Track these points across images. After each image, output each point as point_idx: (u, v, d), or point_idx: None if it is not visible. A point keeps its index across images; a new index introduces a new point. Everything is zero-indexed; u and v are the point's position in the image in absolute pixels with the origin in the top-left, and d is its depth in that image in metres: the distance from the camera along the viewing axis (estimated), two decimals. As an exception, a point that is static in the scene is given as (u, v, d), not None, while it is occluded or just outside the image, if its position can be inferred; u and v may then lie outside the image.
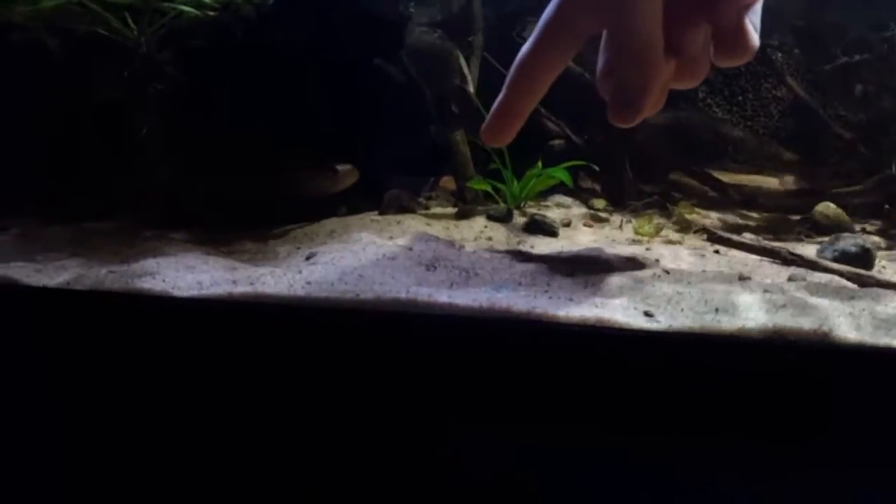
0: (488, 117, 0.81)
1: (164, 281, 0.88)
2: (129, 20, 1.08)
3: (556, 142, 1.65)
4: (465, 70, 1.49)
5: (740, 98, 1.85)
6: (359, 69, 1.23)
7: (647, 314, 0.79)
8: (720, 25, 0.68)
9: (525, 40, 1.62)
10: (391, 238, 1.10)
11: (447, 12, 1.48)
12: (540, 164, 1.42)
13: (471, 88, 1.50)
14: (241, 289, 0.84)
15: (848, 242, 1.04)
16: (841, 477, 0.71)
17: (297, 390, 0.79)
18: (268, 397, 0.79)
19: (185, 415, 0.82)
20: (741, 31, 0.67)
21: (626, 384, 0.73)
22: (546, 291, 0.87)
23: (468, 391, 0.76)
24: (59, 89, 1.12)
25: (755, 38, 0.68)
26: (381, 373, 0.77)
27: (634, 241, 1.20)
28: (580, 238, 1.23)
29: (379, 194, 1.34)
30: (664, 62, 0.67)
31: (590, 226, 1.33)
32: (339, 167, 1.26)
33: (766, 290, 0.84)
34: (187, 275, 0.90)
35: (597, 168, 1.50)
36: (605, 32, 0.73)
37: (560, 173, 1.35)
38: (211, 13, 1.06)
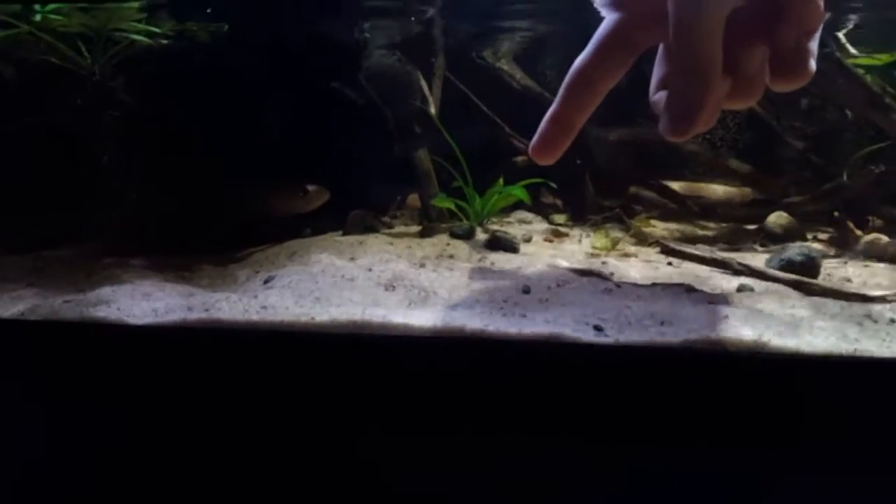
0: (538, 133, 0.78)
1: (118, 309, 0.89)
2: (83, 49, 1.08)
3: (520, 158, 1.68)
4: (426, 91, 1.51)
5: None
6: (316, 92, 1.24)
7: (597, 328, 0.80)
8: (780, 48, 0.67)
9: (485, 61, 1.68)
10: (352, 259, 1.11)
11: (406, 34, 1.50)
12: (501, 181, 1.44)
13: (432, 109, 1.52)
14: (196, 315, 0.85)
15: (794, 252, 1.07)
16: (785, 482, 0.73)
17: (250, 414, 0.79)
18: (220, 422, 0.80)
19: (132, 444, 0.82)
20: (800, 56, 0.67)
21: (575, 397, 0.74)
22: (501, 308, 0.89)
23: (420, 409, 0.77)
24: (14, 118, 1.12)
25: (812, 63, 0.68)
26: (335, 394, 0.78)
27: (591, 256, 1.23)
28: (540, 253, 1.25)
29: (343, 215, 1.35)
30: (721, 79, 0.66)
31: (550, 241, 1.35)
32: (310, 187, 1.27)
33: (711, 302, 0.87)
34: (143, 302, 0.91)
35: (554, 185, 1.52)
36: (661, 46, 0.73)
37: (518, 191, 1.37)
38: (164, 41, 1.06)
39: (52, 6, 1.02)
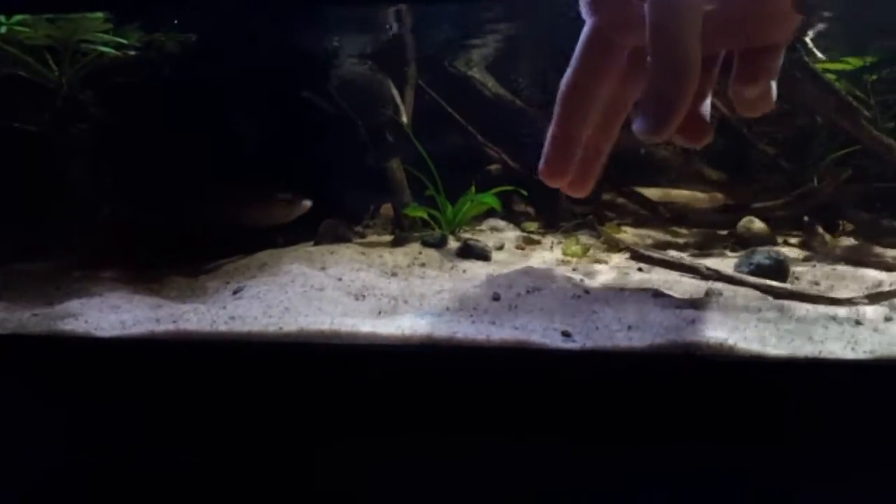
0: (543, 155, 0.76)
1: (86, 322, 0.88)
2: (51, 61, 1.08)
3: (493, 167, 1.69)
4: (398, 100, 1.52)
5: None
6: (286, 102, 1.24)
7: (565, 334, 0.81)
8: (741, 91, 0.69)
9: (457, 70, 1.68)
10: (323, 269, 1.11)
11: (377, 43, 1.50)
12: (473, 189, 1.44)
13: (404, 118, 1.52)
14: (164, 327, 0.84)
15: (762, 256, 1.09)
16: (748, 483, 0.74)
17: (218, 425, 0.79)
18: (187, 432, 0.79)
19: (99, 457, 0.81)
20: (763, 95, 0.68)
21: (542, 402, 0.75)
22: (470, 316, 0.89)
23: (387, 417, 0.77)
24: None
25: (773, 97, 0.70)
26: (304, 403, 0.78)
27: (563, 263, 1.23)
28: (512, 261, 1.26)
29: (315, 225, 1.35)
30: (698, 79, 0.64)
31: (522, 248, 1.35)
32: (290, 197, 1.28)
33: (677, 307, 0.87)
34: (111, 315, 0.90)
35: (525, 193, 1.53)
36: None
37: (489, 199, 1.38)
38: (132, 52, 1.06)
39: (17, 18, 1.01)
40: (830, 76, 1.45)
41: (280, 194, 1.27)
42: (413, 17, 1.60)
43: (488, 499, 0.78)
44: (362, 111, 1.41)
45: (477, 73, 1.68)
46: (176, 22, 1.14)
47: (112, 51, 1.05)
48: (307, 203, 1.27)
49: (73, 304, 0.94)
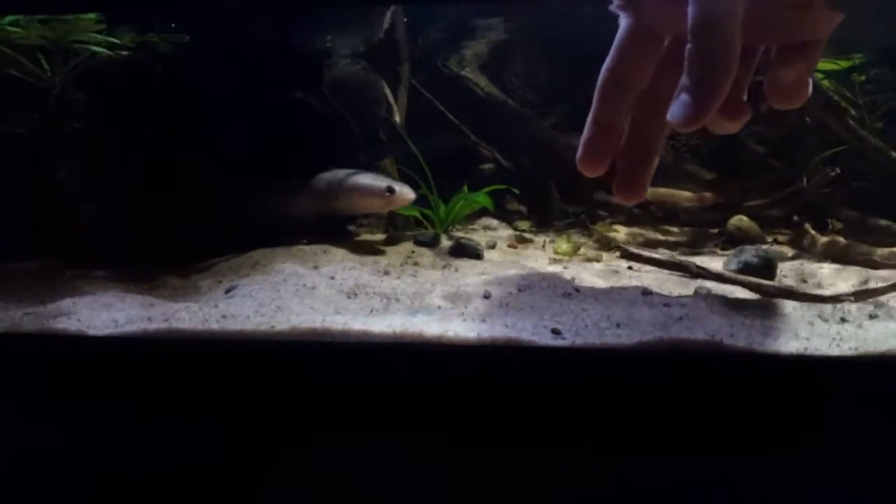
0: (581, 145, 0.76)
1: (79, 321, 0.88)
2: (43, 61, 1.08)
3: (487, 166, 1.70)
4: (391, 99, 1.53)
5: (662, 118, 1.92)
6: (279, 102, 1.25)
7: (555, 332, 0.82)
8: (779, 79, 0.70)
9: (450, 69, 1.69)
10: (315, 267, 1.12)
11: (369, 43, 1.51)
12: (466, 188, 1.45)
13: (397, 117, 1.53)
14: (156, 325, 0.85)
15: (751, 254, 1.10)
16: (734, 477, 0.74)
17: (209, 423, 0.79)
18: (179, 430, 0.80)
19: (91, 455, 0.82)
20: (799, 84, 0.70)
21: (531, 399, 0.76)
22: (462, 314, 0.90)
23: (378, 415, 0.78)
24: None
25: (810, 88, 0.71)
26: (296, 401, 0.78)
27: (554, 261, 1.24)
28: (504, 259, 1.27)
29: (309, 223, 1.35)
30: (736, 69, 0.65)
31: (514, 247, 1.36)
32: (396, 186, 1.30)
33: (666, 304, 0.88)
34: (103, 313, 0.90)
35: (517, 191, 1.54)
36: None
37: (481, 198, 1.39)
38: (124, 52, 1.06)
39: (9, 18, 1.01)
40: (818, 75, 1.47)
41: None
42: (406, 17, 1.61)
43: (478, 496, 0.79)
44: (355, 110, 1.42)
45: (469, 73, 1.69)
46: (173, 25, 1.14)
47: (105, 51, 1.05)
48: (409, 194, 1.28)
49: (66, 303, 0.95)
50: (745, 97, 0.75)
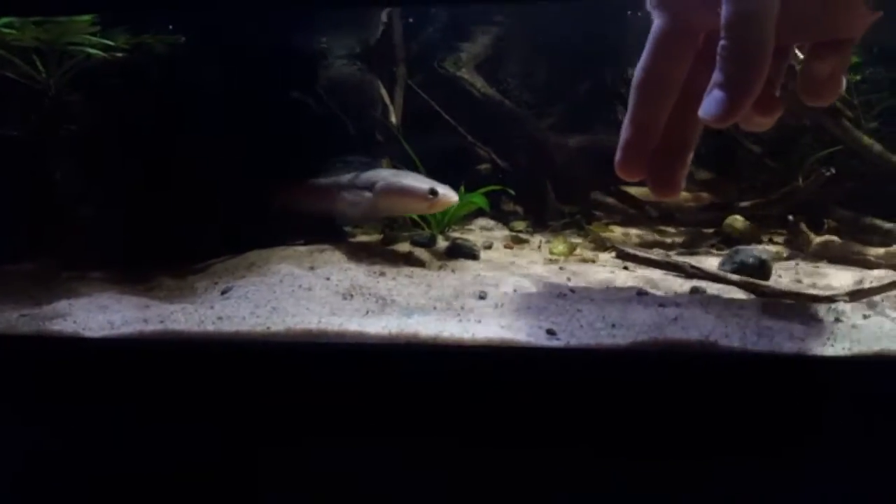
0: (619, 147, 0.76)
1: (75, 322, 0.88)
2: (38, 63, 1.08)
3: (483, 166, 1.71)
4: (387, 100, 1.53)
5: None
6: (274, 103, 1.25)
7: (550, 332, 0.82)
8: (813, 75, 0.71)
9: (446, 70, 1.69)
10: (311, 268, 1.12)
11: (365, 44, 1.51)
12: (462, 189, 1.45)
13: (393, 118, 1.53)
14: (152, 327, 0.85)
15: (746, 254, 1.10)
16: (729, 477, 0.75)
17: (205, 424, 0.79)
18: (175, 432, 0.80)
19: (87, 455, 0.82)
20: (832, 81, 0.70)
21: (526, 400, 0.76)
22: (457, 315, 0.90)
23: (372, 416, 0.78)
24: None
25: (843, 83, 0.72)
26: (291, 402, 0.78)
27: (550, 261, 1.24)
28: (499, 260, 1.27)
29: (305, 224, 1.35)
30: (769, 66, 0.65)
31: (510, 247, 1.36)
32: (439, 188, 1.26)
33: (660, 305, 0.89)
34: (99, 315, 0.90)
35: (512, 192, 1.55)
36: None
37: (477, 198, 1.39)
38: (119, 54, 1.06)
39: (4, 20, 1.01)
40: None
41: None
42: (405, 18, 1.62)
43: (474, 496, 0.79)
44: (352, 111, 1.42)
45: (466, 74, 1.69)
46: (171, 27, 1.14)
47: (100, 53, 1.05)
48: (453, 196, 1.23)
49: (62, 305, 0.95)
50: (777, 93, 0.75)
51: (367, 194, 1.25)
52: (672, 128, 0.75)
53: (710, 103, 0.66)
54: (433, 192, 1.20)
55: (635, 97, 0.75)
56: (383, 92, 1.51)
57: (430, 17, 1.72)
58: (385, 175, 1.26)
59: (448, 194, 1.21)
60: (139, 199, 1.16)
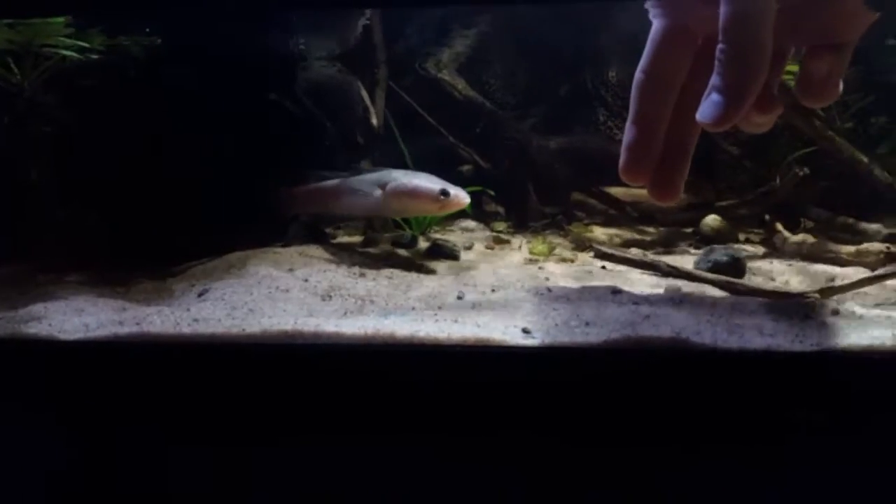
0: (623, 151, 0.75)
1: (50, 325, 0.88)
2: (12, 65, 1.07)
3: (466, 167, 1.71)
4: (368, 101, 1.53)
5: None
6: (251, 104, 1.24)
7: (525, 331, 0.83)
8: (812, 74, 0.71)
9: (427, 71, 1.70)
10: (290, 270, 1.12)
11: (345, 45, 1.51)
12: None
13: (374, 119, 1.54)
14: (127, 329, 0.85)
15: (720, 253, 1.11)
16: (703, 471, 0.76)
17: (179, 426, 0.79)
18: (147, 434, 0.80)
19: (52, 460, 0.81)
20: (830, 82, 0.71)
21: (500, 398, 0.76)
22: (434, 315, 0.90)
23: (348, 416, 0.78)
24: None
25: (840, 85, 0.72)
26: (267, 403, 0.79)
27: (529, 262, 1.25)
28: (480, 261, 1.27)
29: (285, 226, 1.35)
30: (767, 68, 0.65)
31: (491, 248, 1.37)
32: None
33: (634, 303, 0.90)
34: (74, 318, 0.90)
35: (492, 193, 1.55)
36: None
37: (459, 200, 1.39)
38: (94, 56, 1.06)
39: (-23, 23, 1.01)
40: (786, 77, 1.49)
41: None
42: (383, 19, 1.62)
43: (449, 494, 0.79)
44: (332, 113, 1.42)
45: (447, 75, 1.69)
46: (147, 30, 1.13)
47: (74, 54, 1.05)
48: (464, 198, 1.20)
49: (37, 308, 0.94)
50: (776, 91, 0.75)
51: (378, 194, 1.24)
52: (670, 132, 0.76)
53: (707, 107, 0.66)
54: (445, 193, 1.19)
55: (637, 97, 0.74)
56: (364, 93, 1.52)
57: (410, 19, 1.72)
58: (396, 175, 1.24)
59: (460, 195, 1.20)
60: (116, 201, 1.16)
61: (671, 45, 0.73)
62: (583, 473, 0.77)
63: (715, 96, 0.65)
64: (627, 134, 0.75)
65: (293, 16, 1.34)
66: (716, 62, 0.65)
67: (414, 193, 1.21)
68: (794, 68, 1.53)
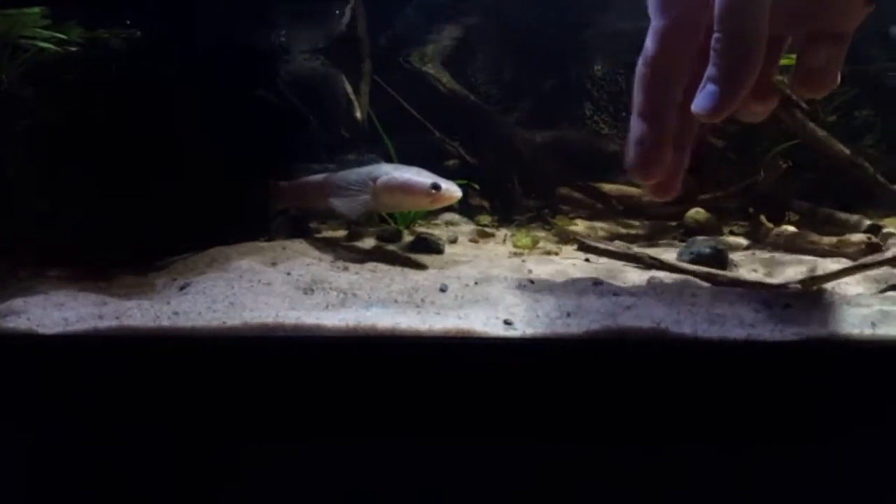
0: (630, 146, 0.72)
1: (28, 319, 0.87)
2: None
3: (451, 162, 1.71)
4: (352, 94, 1.53)
5: (624, 114, 1.95)
6: (233, 97, 1.23)
7: (507, 322, 0.83)
8: (809, 63, 0.70)
9: (411, 65, 1.69)
10: (273, 264, 1.11)
11: (329, 38, 1.51)
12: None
13: (358, 112, 1.53)
14: (107, 323, 0.84)
15: (702, 245, 1.12)
16: (683, 461, 0.76)
17: (158, 419, 0.79)
18: (129, 428, 0.79)
19: (39, 452, 0.81)
20: (828, 71, 0.69)
21: (481, 389, 0.76)
22: (417, 307, 0.90)
23: (329, 408, 0.78)
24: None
25: (838, 76, 0.70)
26: (247, 396, 0.78)
27: (513, 255, 1.25)
28: (464, 253, 1.28)
29: (268, 220, 1.35)
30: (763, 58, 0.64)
31: (475, 241, 1.37)
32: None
33: (615, 294, 0.90)
34: (54, 312, 0.89)
35: (477, 186, 1.55)
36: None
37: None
38: (72, 48, 1.05)
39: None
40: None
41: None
42: (368, 12, 1.61)
43: (431, 486, 0.79)
44: (314, 107, 1.42)
45: (432, 69, 1.69)
46: (128, 22, 1.12)
47: (52, 46, 1.04)
48: (456, 192, 1.19)
49: (17, 303, 0.93)
50: (773, 79, 0.74)
51: (369, 188, 1.22)
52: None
53: (703, 98, 0.65)
54: (436, 187, 1.18)
55: (642, 90, 0.72)
56: (348, 87, 1.51)
57: (396, 10, 1.72)
58: (387, 169, 1.23)
59: (451, 189, 1.18)
60: (97, 195, 1.15)
61: (674, 36, 0.71)
62: (565, 464, 0.77)
63: (710, 87, 0.65)
64: (636, 128, 0.72)
65: (275, 7, 1.33)
66: (711, 52, 0.65)
67: (405, 188, 1.20)
68: (786, 62, 1.56)
